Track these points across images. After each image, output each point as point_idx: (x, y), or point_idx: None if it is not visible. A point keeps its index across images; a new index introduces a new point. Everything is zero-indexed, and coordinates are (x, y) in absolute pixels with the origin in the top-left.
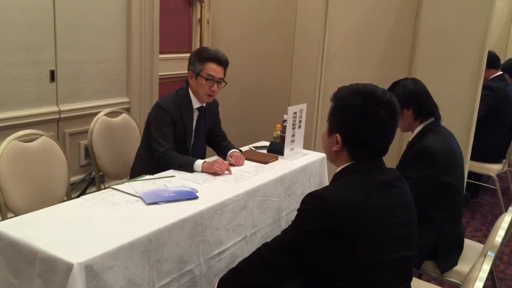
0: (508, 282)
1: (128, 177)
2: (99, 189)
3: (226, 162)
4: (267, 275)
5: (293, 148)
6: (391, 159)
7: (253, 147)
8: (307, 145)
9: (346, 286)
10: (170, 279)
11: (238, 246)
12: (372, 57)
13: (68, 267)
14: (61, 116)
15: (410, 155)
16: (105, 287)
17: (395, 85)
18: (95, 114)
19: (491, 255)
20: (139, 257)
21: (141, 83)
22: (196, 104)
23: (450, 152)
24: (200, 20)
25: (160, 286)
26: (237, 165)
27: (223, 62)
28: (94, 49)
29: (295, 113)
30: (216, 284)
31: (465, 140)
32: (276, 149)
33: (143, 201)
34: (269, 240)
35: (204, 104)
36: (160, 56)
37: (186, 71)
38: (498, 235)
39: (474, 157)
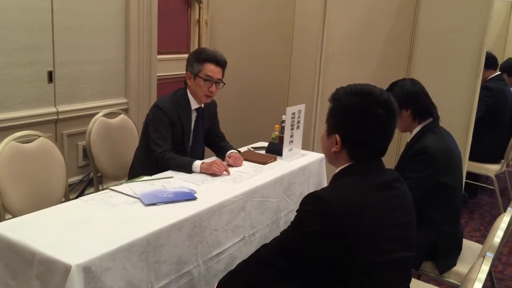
0: (507, 283)
1: (126, 178)
2: (97, 190)
3: (225, 163)
4: (266, 276)
5: (291, 149)
6: (390, 159)
7: (252, 147)
8: (306, 146)
9: (345, 287)
10: (169, 280)
11: (236, 247)
12: (371, 57)
13: (66, 269)
14: (59, 117)
15: (408, 155)
16: None
17: (393, 85)
18: (93, 115)
19: (490, 256)
20: (138, 258)
21: (139, 84)
22: (194, 105)
23: (449, 153)
24: (199, 21)
25: None
26: (236, 166)
27: (221, 63)
28: (92, 50)
29: (293, 113)
30: (215, 286)
31: (464, 140)
32: (275, 150)
33: (142, 202)
34: (267, 240)
35: (203, 105)
36: (158, 56)
37: (184, 72)
38: (497, 236)
39: (472, 158)
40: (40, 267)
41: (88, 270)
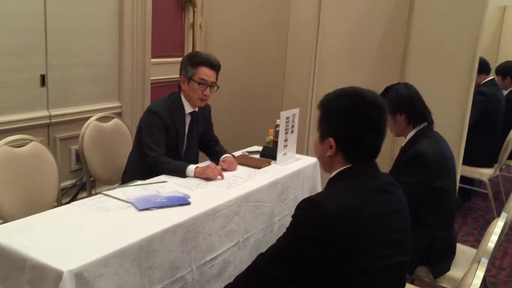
0: (500, 287)
1: (120, 182)
2: (90, 195)
3: (219, 167)
4: (264, 286)
5: (286, 153)
6: (384, 164)
7: (246, 152)
8: (300, 150)
9: None
10: (162, 286)
11: (230, 252)
12: (365, 62)
13: (58, 275)
14: (52, 121)
15: (403, 160)
16: None
17: (388, 90)
18: (86, 119)
19: (484, 261)
20: (131, 264)
21: (132, 87)
22: (188, 108)
23: (443, 157)
24: (193, 25)
25: None
26: (230, 170)
27: (215, 66)
28: (86, 53)
29: (287, 118)
30: None
31: (457, 145)
32: (269, 154)
33: (135, 207)
34: (261, 245)
35: (197, 109)
36: (152, 60)
37: (178, 76)
38: (491, 241)
39: (466, 162)
40: (32, 273)
41: (80, 276)
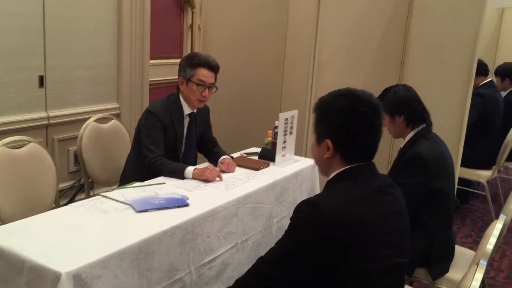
0: None
1: (118, 184)
2: (88, 196)
3: (217, 169)
4: None
5: (284, 155)
6: (382, 166)
7: (245, 153)
8: (299, 152)
9: None
10: None
11: (229, 253)
12: (363, 64)
13: (56, 277)
14: (50, 122)
15: (402, 161)
16: None
17: (386, 91)
18: (85, 120)
19: (483, 263)
20: (129, 265)
21: (131, 88)
22: (187, 110)
23: (442, 159)
24: (191, 26)
25: None
26: (228, 172)
27: (214, 67)
28: (84, 54)
29: (286, 119)
30: None
31: (455, 146)
32: (268, 156)
33: (133, 208)
34: (260, 247)
35: (195, 110)
36: (151, 61)
37: (177, 77)
38: (490, 243)
39: (464, 163)
40: (30, 275)
41: (78, 277)
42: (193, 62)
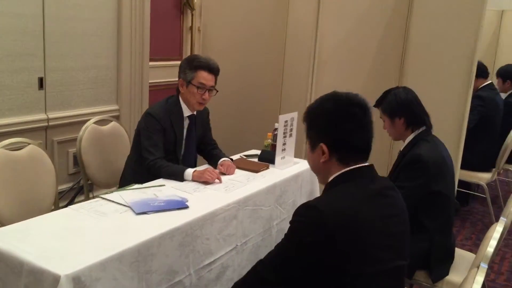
0: None
1: (117, 186)
2: (87, 198)
3: (217, 171)
4: None
5: (284, 157)
6: (382, 168)
7: (244, 155)
8: (298, 154)
9: None
10: None
11: (228, 256)
12: (363, 65)
13: (55, 279)
14: (50, 124)
15: (402, 164)
16: None
17: (386, 93)
18: (84, 122)
19: (484, 266)
20: (128, 268)
21: (131, 90)
22: (186, 112)
23: (442, 161)
24: (191, 28)
25: None
26: (228, 174)
27: (214, 70)
28: (84, 56)
29: (286, 121)
30: None
31: (455, 149)
32: (267, 158)
33: (132, 210)
34: (260, 249)
35: (195, 112)
36: (151, 63)
37: (177, 79)
38: (490, 246)
39: (464, 166)
40: (29, 277)
41: (77, 280)
42: (193, 64)
